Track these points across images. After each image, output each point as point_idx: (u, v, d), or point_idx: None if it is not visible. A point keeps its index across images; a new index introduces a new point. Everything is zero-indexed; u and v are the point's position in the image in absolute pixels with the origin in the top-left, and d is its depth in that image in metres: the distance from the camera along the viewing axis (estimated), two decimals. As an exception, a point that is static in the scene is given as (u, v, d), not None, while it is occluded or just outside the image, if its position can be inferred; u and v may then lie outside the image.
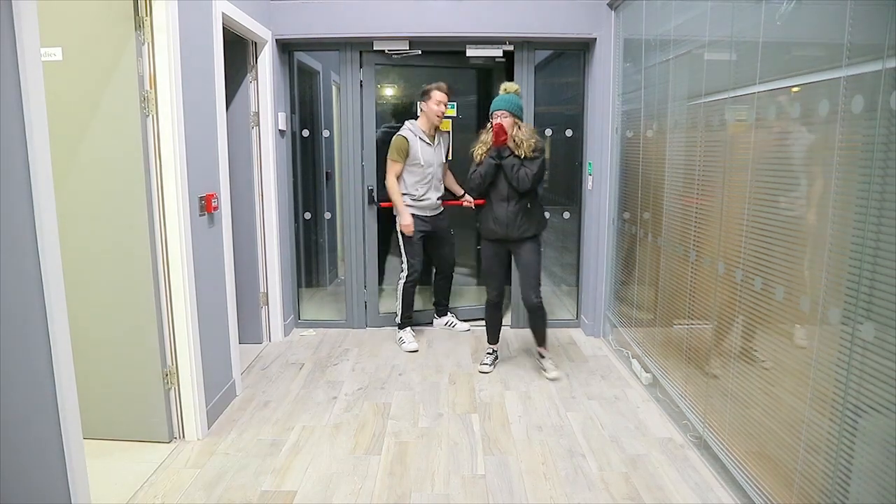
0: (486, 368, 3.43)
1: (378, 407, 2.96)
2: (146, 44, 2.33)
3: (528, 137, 3.16)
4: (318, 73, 4.43)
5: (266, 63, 3.61)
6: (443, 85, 3.63)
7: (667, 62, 2.91)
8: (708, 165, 2.42)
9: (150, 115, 2.38)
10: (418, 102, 3.67)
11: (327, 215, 4.47)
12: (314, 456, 2.48)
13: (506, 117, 3.14)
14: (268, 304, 3.89)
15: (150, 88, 2.37)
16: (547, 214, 3.35)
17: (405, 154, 3.67)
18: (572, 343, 3.93)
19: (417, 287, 3.96)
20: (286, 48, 3.95)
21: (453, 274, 4.12)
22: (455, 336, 4.07)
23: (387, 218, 4.07)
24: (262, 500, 2.18)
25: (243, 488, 2.25)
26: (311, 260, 4.54)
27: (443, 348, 3.83)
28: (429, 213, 3.84)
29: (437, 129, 3.75)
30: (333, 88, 4.54)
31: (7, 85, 1.48)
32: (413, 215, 3.77)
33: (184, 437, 2.61)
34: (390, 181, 3.72)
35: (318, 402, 3.02)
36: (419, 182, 3.74)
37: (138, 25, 2.31)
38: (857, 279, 1.51)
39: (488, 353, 3.52)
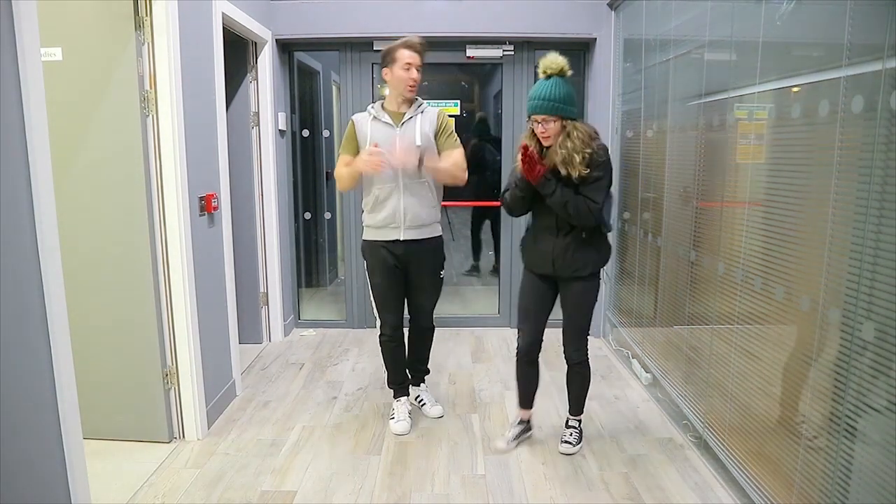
0: (500, 444, 2.54)
1: (378, 407, 2.96)
2: (146, 44, 2.33)
3: (583, 146, 2.15)
4: (318, 73, 4.43)
5: (266, 63, 3.61)
6: (412, 40, 2.47)
7: (667, 62, 2.91)
8: (708, 165, 2.42)
9: (150, 115, 2.38)
10: (381, 71, 2.53)
11: (327, 215, 4.47)
12: (314, 456, 2.48)
13: (549, 122, 2.18)
14: (268, 304, 3.89)
15: (150, 88, 2.37)
16: (610, 239, 2.42)
17: (353, 141, 2.53)
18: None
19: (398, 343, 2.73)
20: (286, 48, 3.95)
21: (432, 330, 2.83)
22: (455, 336, 4.06)
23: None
24: (262, 500, 2.18)
25: (243, 488, 2.25)
26: (311, 260, 4.54)
27: (443, 349, 3.83)
28: (395, 237, 2.50)
29: (410, 104, 2.53)
30: (333, 88, 4.54)
31: (7, 85, 1.48)
32: (368, 241, 2.58)
33: (184, 437, 2.61)
34: (335, 174, 2.60)
35: (318, 402, 3.02)
36: (376, 181, 2.49)
37: (138, 25, 2.31)
38: (857, 279, 1.51)
39: (516, 425, 2.60)
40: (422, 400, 2.89)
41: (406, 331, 2.76)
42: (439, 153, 2.51)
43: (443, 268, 2.71)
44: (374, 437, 2.65)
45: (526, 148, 2.15)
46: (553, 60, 2.18)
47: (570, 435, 2.52)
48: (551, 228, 2.32)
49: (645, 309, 3.28)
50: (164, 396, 2.52)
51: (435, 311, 2.76)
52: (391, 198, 2.48)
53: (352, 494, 2.22)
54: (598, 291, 2.41)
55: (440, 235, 2.64)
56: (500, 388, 3.20)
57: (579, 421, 2.58)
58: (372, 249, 2.56)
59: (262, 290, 3.83)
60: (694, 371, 2.57)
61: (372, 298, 2.67)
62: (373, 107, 2.56)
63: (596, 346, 3.84)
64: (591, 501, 2.18)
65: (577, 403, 2.55)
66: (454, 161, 2.51)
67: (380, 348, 2.74)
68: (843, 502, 1.57)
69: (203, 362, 2.64)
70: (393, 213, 2.48)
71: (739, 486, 2.11)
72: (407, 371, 2.83)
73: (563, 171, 2.18)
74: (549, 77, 2.19)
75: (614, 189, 3.73)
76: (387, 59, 2.47)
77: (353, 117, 2.58)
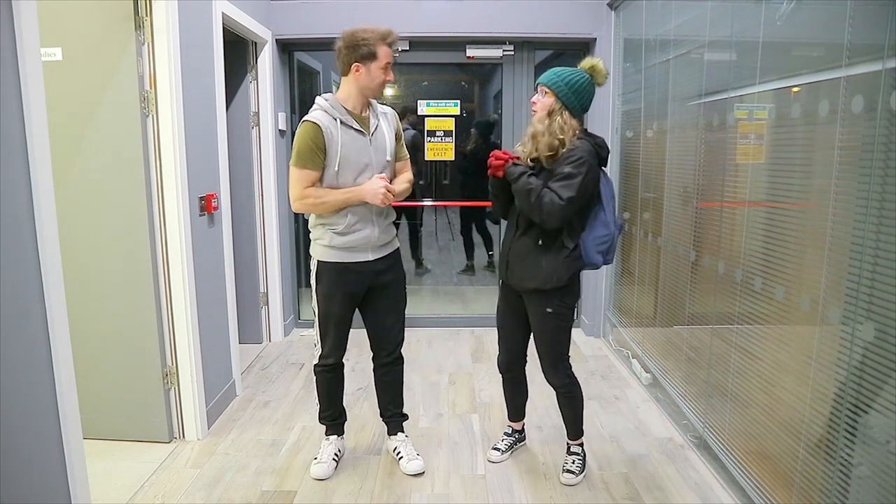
0: (494, 456, 2.45)
1: (378, 407, 2.96)
2: (146, 44, 2.33)
3: (559, 131, 2.01)
4: (318, 73, 4.43)
5: (266, 63, 3.61)
6: (392, 34, 2.10)
7: (667, 62, 2.91)
8: (708, 165, 2.42)
9: (150, 115, 2.38)
10: (352, 63, 2.07)
11: (327, 215, 4.47)
12: (314, 456, 2.48)
13: (544, 95, 2.07)
14: (268, 304, 3.89)
15: (150, 88, 2.37)
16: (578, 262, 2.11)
17: (321, 151, 2.03)
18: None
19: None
20: (286, 48, 3.95)
21: (402, 361, 2.43)
22: (455, 336, 4.06)
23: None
24: (262, 500, 2.18)
25: (243, 488, 2.25)
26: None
27: (443, 348, 3.83)
28: (365, 258, 2.17)
29: (369, 105, 2.15)
30: (333, 88, 4.54)
31: (7, 85, 1.48)
32: (332, 263, 2.17)
33: (184, 437, 2.61)
34: (295, 195, 2.08)
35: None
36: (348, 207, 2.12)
37: (138, 25, 2.31)
38: (857, 279, 1.51)
39: (506, 434, 2.54)
40: (399, 453, 2.41)
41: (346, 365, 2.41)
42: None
43: (404, 285, 2.37)
44: (374, 437, 2.65)
45: (494, 158, 2.07)
46: (590, 58, 2.10)
47: (573, 463, 2.33)
48: (512, 226, 2.19)
49: (645, 309, 3.28)
50: (164, 396, 2.52)
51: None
52: (365, 220, 2.14)
53: (352, 494, 2.22)
54: (559, 317, 2.16)
55: (398, 247, 2.34)
56: (500, 388, 3.19)
57: (580, 445, 2.37)
58: (336, 273, 2.17)
59: (262, 290, 3.83)
60: (694, 371, 2.57)
61: (317, 326, 2.26)
62: (332, 106, 2.07)
63: (596, 347, 3.84)
64: (591, 501, 2.18)
65: (572, 427, 2.35)
66: (409, 179, 2.29)
67: (315, 379, 2.37)
68: (843, 502, 1.57)
69: (203, 362, 2.64)
70: (368, 237, 2.15)
71: (739, 486, 2.11)
72: (384, 417, 2.50)
73: (526, 147, 2.09)
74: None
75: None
76: (361, 50, 2.03)
77: (317, 121, 2.02)
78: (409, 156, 2.32)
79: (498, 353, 2.43)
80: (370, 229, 2.15)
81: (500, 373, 2.46)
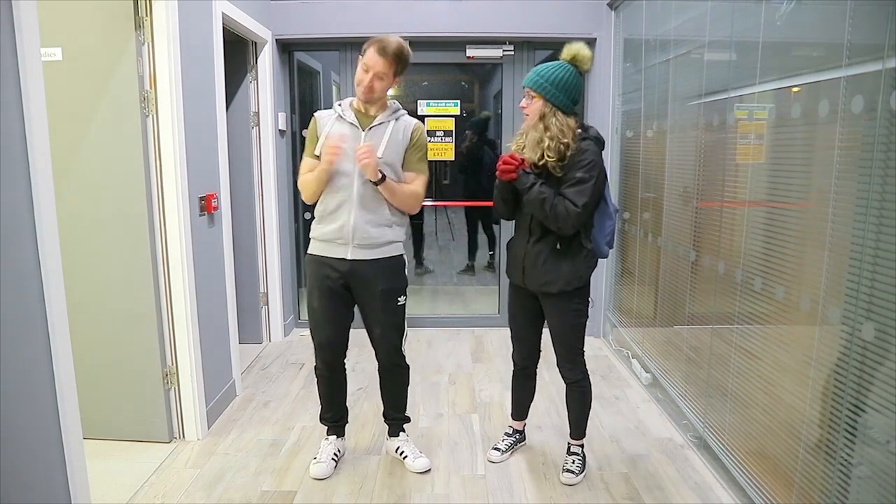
0: (494, 456, 2.44)
1: (378, 407, 2.94)
2: (146, 44, 2.33)
3: (558, 135, 1.98)
4: (318, 73, 4.43)
5: (266, 63, 3.61)
6: (388, 44, 2.02)
7: (667, 62, 2.91)
8: (708, 165, 2.42)
9: (150, 115, 2.38)
10: None
11: (327, 215, 4.47)
12: (314, 456, 2.48)
13: (531, 98, 2.03)
14: (268, 304, 3.89)
15: (150, 88, 2.37)
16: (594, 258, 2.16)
17: (315, 140, 2.18)
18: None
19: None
20: (286, 48, 3.95)
21: (404, 370, 2.40)
22: (455, 336, 4.06)
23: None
24: (262, 500, 2.18)
25: (243, 488, 2.25)
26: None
27: (443, 348, 3.83)
28: (341, 255, 2.14)
29: (384, 107, 2.17)
30: (333, 88, 4.54)
31: (7, 85, 1.48)
32: (311, 256, 2.22)
33: (184, 437, 2.61)
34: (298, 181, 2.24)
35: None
36: (328, 190, 2.14)
37: (138, 25, 2.31)
38: (857, 279, 1.51)
39: (506, 434, 2.55)
40: (403, 452, 2.43)
41: (346, 365, 2.39)
42: (403, 169, 2.18)
43: (402, 293, 2.25)
44: (374, 437, 2.65)
45: (506, 159, 2.02)
46: (569, 47, 2.01)
47: (573, 462, 2.32)
48: (524, 231, 2.15)
49: (645, 309, 3.28)
50: (164, 396, 2.52)
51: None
52: (341, 209, 2.12)
53: (352, 494, 2.22)
54: (579, 314, 2.17)
55: (398, 255, 2.22)
56: (500, 387, 3.20)
57: (581, 446, 2.37)
58: (314, 266, 2.19)
59: (262, 290, 3.83)
60: (694, 371, 2.57)
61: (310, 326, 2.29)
62: (340, 104, 2.20)
63: (596, 347, 3.84)
64: (591, 501, 2.18)
65: (577, 426, 2.34)
66: (413, 190, 2.17)
67: (316, 380, 2.40)
68: (843, 502, 1.57)
69: (203, 362, 2.64)
70: (341, 228, 2.12)
71: (739, 486, 2.11)
72: (384, 418, 2.51)
73: (529, 156, 2.03)
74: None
75: (613, 187, 3.77)
76: (361, 49, 2.10)
77: (316, 114, 2.22)
78: (422, 172, 2.21)
79: (512, 350, 2.43)
80: (345, 217, 2.11)
81: (516, 372, 2.46)
